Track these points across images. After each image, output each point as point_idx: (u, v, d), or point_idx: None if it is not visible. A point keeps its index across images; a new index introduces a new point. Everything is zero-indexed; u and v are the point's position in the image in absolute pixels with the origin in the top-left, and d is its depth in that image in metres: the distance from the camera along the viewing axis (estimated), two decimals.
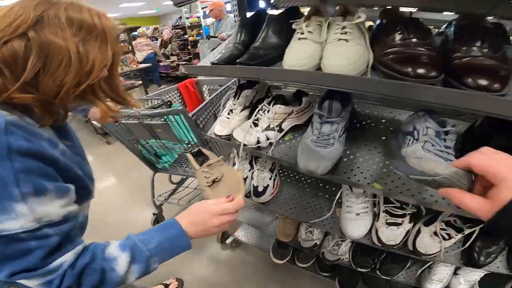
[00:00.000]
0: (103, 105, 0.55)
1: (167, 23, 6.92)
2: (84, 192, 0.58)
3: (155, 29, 7.35)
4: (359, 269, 1.14)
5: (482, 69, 0.51)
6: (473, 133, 0.72)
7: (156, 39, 6.89)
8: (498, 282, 0.99)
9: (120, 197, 2.24)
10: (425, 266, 1.09)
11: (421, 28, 0.62)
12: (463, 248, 0.86)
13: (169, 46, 6.45)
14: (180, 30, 6.28)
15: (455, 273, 1.05)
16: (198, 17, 5.74)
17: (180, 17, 6.17)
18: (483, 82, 0.48)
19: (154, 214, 1.79)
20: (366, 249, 1.13)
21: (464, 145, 0.73)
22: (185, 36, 6.10)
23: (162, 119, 1.14)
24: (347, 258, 1.19)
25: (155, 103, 1.61)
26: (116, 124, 1.34)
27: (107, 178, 2.51)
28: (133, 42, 5.31)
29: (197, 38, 5.88)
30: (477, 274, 1.00)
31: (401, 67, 0.53)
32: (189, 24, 5.90)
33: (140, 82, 4.19)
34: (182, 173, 1.60)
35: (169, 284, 1.42)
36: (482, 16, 0.65)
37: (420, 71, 0.51)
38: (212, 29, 4.19)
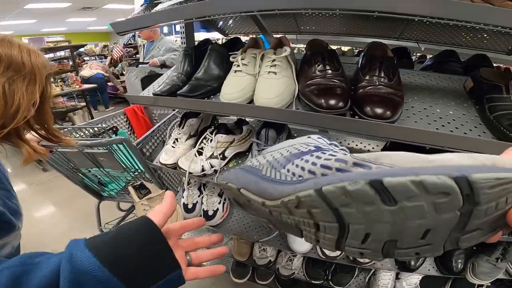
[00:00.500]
0: (28, 148, 0.54)
1: (119, 41, 6.67)
2: (6, 226, 0.55)
3: (105, 46, 7.02)
4: (313, 282, 1.20)
5: (378, 99, 0.60)
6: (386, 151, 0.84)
7: (105, 57, 6.57)
8: (437, 283, 1.11)
9: (62, 227, 2.04)
10: (370, 274, 1.19)
11: (335, 59, 0.71)
12: None
13: (119, 65, 6.20)
14: (132, 49, 6.10)
15: (397, 278, 1.16)
16: None
17: (133, 36, 6.01)
18: (377, 111, 0.57)
19: None
20: (316, 262, 1.20)
21: None
22: (137, 55, 5.94)
23: (105, 148, 1.09)
24: (301, 271, 1.24)
25: (100, 129, 1.53)
26: (52, 153, 1.23)
27: (46, 207, 2.28)
28: (88, 63, 5.11)
29: None
30: (416, 277, 1.11)
31: (317, 99, 0.61)
32: (142, 43, 5.78)
33: (84, 104, 3.89)
34: (131, 200, 1.51)
35: None
36: (384, 44, 0.74)
37: (331, 102, 0.59)
38: (142, 52, 3.23)
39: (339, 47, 2.37)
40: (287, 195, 0.25)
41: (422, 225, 0.21)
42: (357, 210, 0.22)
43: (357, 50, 2.56)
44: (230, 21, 1.34)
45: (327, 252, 0.97)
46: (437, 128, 0.62)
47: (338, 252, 0.96)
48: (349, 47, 2.52)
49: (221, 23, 1.33)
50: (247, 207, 0.34)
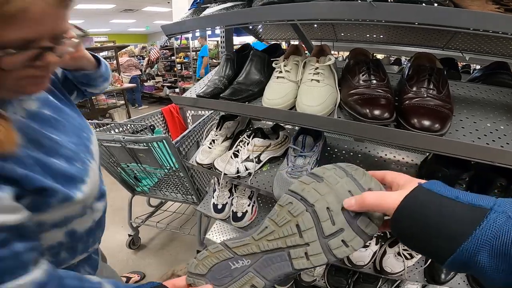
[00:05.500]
0: None
1: (156, 43, 7.02)
2: (40, 196, 0.39)
3: (143, 47, 7.44)
4: None
5: (426, 111, 0.58)
6: (426, 164, 0.81)
7: (143, 58, 6.95)
8: None
9: None
10: (394, 285, 1.15)
11: (380, 69, 0.69)
12: (425, 266, 0.93)
13: (156, 66, 6.53)
14: (168, 51, 6.39)
15: None
16: (187, 39, 5.87)
17: (169, 38, 6.29)
18: (425, 123, 0.55)
19: (129, 235, 1.78)
20: (339, 270, 1.17)
21: (419, 175, 0.82)
22: (173, 57, 6.21)
23: (145, 144, 1.17)
24: (322, 279, 1.22)
25: (138, 127, 1.63)
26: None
27: None
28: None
29: (185, 60, 6.02)
30: None
31: (361, 109, 0.60)
32: (177, 46, 6.03)
33: (123, 102, 4.16)
34: (161, 196, 1.60)
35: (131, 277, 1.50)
36: (433, 55, 0.73)
37: (376, 113, 0.58)
38: None
39: (374, 54, 2.32)
40: None
41: None
42: None
43: (393, 58, 2.47)
44: (268, 27, 1.36)
45: (353, 260, 0.95)
46: (487, 143, 0.60)
47: (365, 261, 0.94)
48: (384, 55, 2.44)
49: (258, 28, 1.36)
50: None
